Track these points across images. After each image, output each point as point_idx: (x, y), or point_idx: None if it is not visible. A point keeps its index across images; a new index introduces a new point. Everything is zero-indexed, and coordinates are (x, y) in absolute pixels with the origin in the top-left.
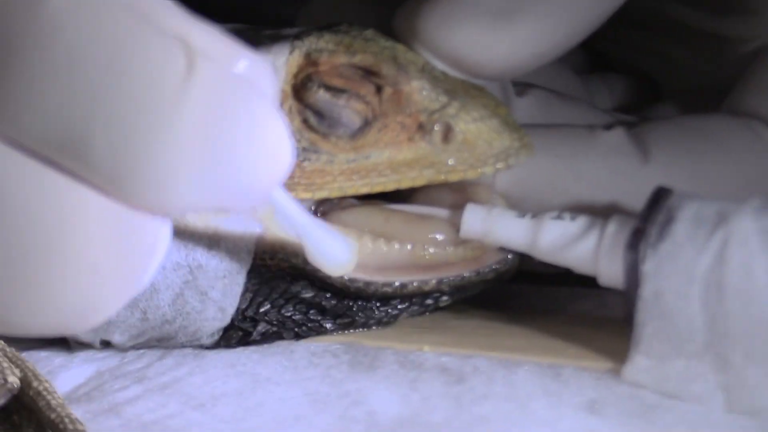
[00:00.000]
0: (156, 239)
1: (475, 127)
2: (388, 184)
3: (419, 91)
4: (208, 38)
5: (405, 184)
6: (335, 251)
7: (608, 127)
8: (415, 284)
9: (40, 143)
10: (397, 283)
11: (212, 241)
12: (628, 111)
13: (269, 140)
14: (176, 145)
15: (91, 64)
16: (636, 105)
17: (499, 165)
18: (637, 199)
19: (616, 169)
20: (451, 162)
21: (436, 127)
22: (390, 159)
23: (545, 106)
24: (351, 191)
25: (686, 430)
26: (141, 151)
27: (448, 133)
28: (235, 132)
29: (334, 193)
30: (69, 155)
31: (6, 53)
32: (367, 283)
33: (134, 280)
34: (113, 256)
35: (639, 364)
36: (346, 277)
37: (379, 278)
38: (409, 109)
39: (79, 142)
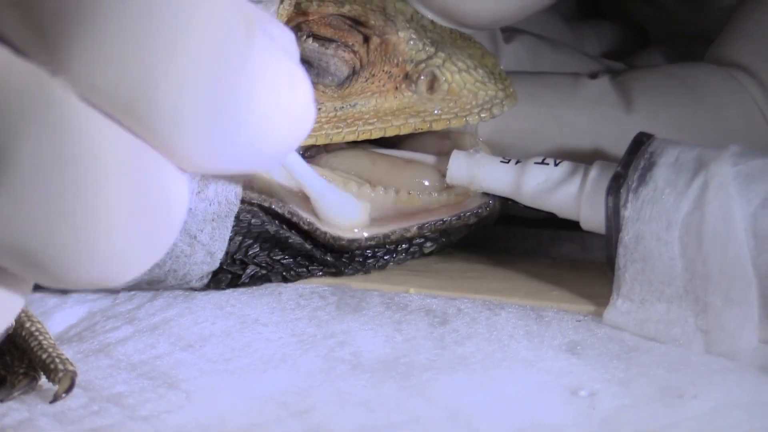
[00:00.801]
0: (180, 198)
1: (460, 77)
2: (374, 132)
3: (406, 42)
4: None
5: (390, 132)
6: (347, 211)
7: (593, 75)
8: (397, 233)
9: (104, 98)
10: (379, 234)
11: (201, 184)
12: (617, 58)
13: (294, 101)
14: (201, 104)
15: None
16: (624, 52)
17: (484, 114)
18: (619, 146)
19: (600, 117)
20: (436, 111)
21: (422, 77)
22: (376, 107)
23: (533, 52)
24: (337, 138)
25: (665, 372)
26: (192, 110)
27: (433, 83)
28: (262, 95)
29: (321, 140)
30: (128, 111)
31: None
32: (351, 241)
33: (166, 236)
34: (149, 212)
35: (620, 307)
36: (329, 235)
37: (361, 235)
38: (396, 59)
39: (142, 97)
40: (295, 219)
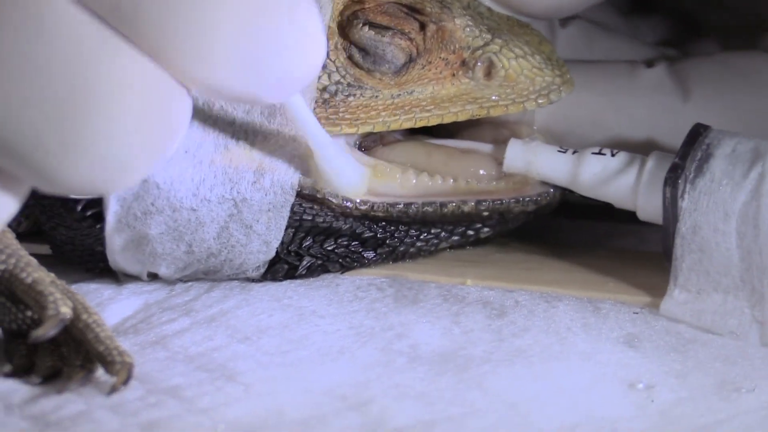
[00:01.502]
0: (183, 113)
1: (517, 64)
2: (432, 119)
3: (462, 28)
4: None
5: (448, 119)
6: (347, 172)
7: (650, 63)
8: (454, 204)
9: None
10: (437, 202)
11: (257, 174)
12: (670, 48)
13: (306, 29)
14: (219, 18)
15: None
16: (678, 42)
17: (541, 101)
18: (676, 135)
19: (657, 105)
20: (494, 97)
21: (479, 64)
22: (433, 95)
23: (588, 37)
24: (395, 126)
25: (722, 365)
26: (184, 18)
27: (490, 69)
28: (276, 16)
29: (378, 128)
30: (119, 13)
31: None
32: (407, 204)
33: (163, 146)
34: (147, 119)
35: (677, 297)
36: (386, 203)
37: (419, 200)
38: (453, 46)
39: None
40: (350, 206)
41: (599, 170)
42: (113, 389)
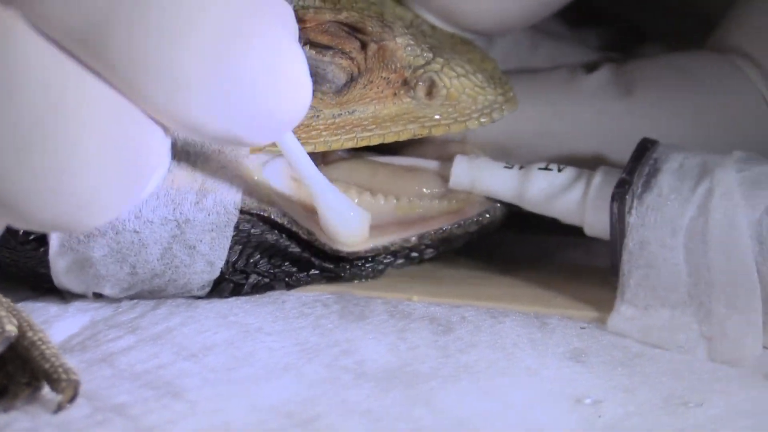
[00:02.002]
0: (159, 153)
1: (458, 82)
2: (373, 139)
3: (404, 47)
4: None
5: (389, 138)
6: (347, 218)
7: (591, 68)
8: (397, 244)
9: (63, 32)
10: (379, 247)
11: (199, 195)
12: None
13: (288, 70)
14: (195, 52)
15: None
16: (623, 49)
17: (484, 119)
18: (623, 139)
19: (601, 110)
20: (435, 117)
21: (420, 83)
22: (375, 114)
23: (532, 42)
24: (336, 146)
25: (670, 380)
26: (159, 51)
27: (432, 89)
28: (254, 52)
29: (320, 147)
30: (88, 48)
31: None
32: (350, 253)
33: (137, 187)
34: (118, 158)
35: (624, 313)
36: (328, 246)
37: (360, 247)
38: (394, 65)
39: (98, 33)
40: (294, 228)
41: (546, 186)
42: (59, 407)
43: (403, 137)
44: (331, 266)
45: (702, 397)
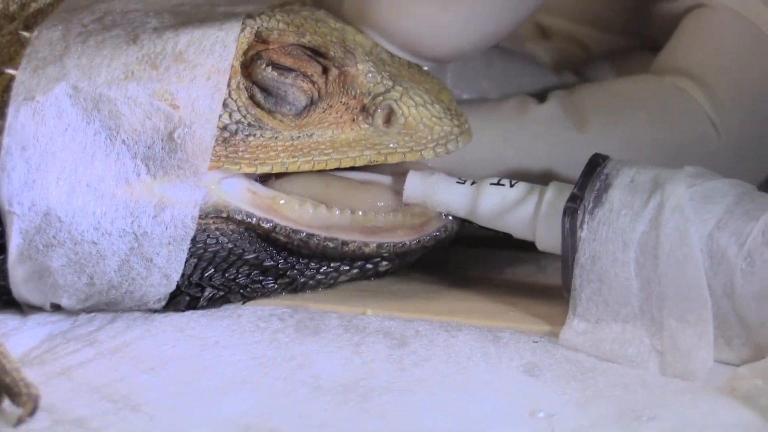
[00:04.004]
0: None
1: (417, 112)
2: (330, 163)
3: (365, 74)
4: None
5: (346, 163)
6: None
7: (541, 97)
8: (356, 243)
9: None
10: (339, 239)
11: (157, 208)
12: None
13: None
14: None
15: None
16: (571, 65)
17: (439, 150)
18: (576, 168)
19: (555, 140)
20: (392, 145)
21: (379, 110)
22: (333, 138)
23: (485, 60)
24: (293, 167)
25: (622, 393)
26: None
27: (390, 116)
28: None
29: (277, 168)
30: None
31: None
32: (310, 235)
33: None
34: None
35: (576, 327)
36: (290, 228)
37: (321, 233)
38: (354, 91)
39: None
40: (254, 221)
41: (498, 201)
42: (20, 421)
43: (359, 163)
44: (286, 266)
45: (654, 411)
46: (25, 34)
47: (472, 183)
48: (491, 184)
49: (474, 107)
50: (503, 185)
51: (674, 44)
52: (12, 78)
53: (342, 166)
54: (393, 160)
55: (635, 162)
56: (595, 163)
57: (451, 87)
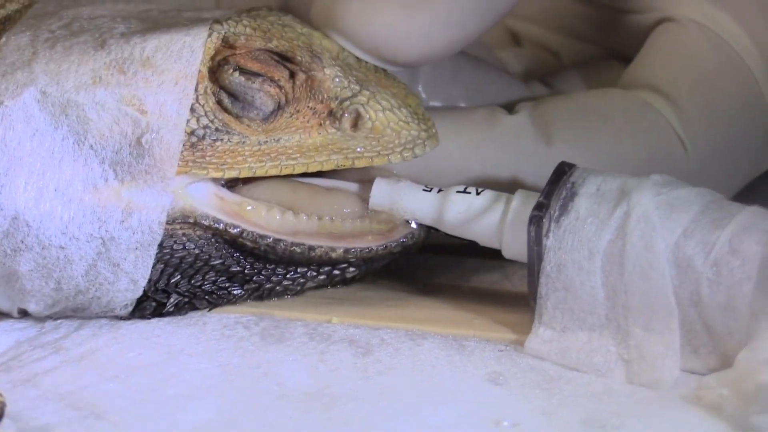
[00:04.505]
0: None
1: (384, 116)
2: (297, 167)
3: (332, 79)
4: None
5: (313, 168)
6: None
7: (510, 108)
8: (322, 248)
9: None
10: (306, 244)
11: (125, 213)
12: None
13: None
14: None
15: None
16: (542, 73)
17: (406, 154)
18: (542, 181)
19: (521, 152)
20: (359, 149)
21: (346, 115)
22: (300, 143)
23: (453, 67)
24: (260, 172)
25: (588, 402)
26: None
27: (357, 121)
28: None
29: (244, 173)
30: None
31: None
32: (277, 240)
33: None
34: None
35: (541, 335)
36: (257, 234)
37: (288, 238)
38: (321, 96)
39: None
40: (221, 226)
41: (464, 209)
42: None
43: (327, 167)
44: (252, 272)
45: (620, 421)
46: None
47: (439, 191)
48: (457, 191)
49: (443, 115)
50: (469, 193)
51: (643, 58)
52: None
53: (309, 171)
54: (360, 164)
55: (602, 171)
56: (562, 171)
57: (421, 92)
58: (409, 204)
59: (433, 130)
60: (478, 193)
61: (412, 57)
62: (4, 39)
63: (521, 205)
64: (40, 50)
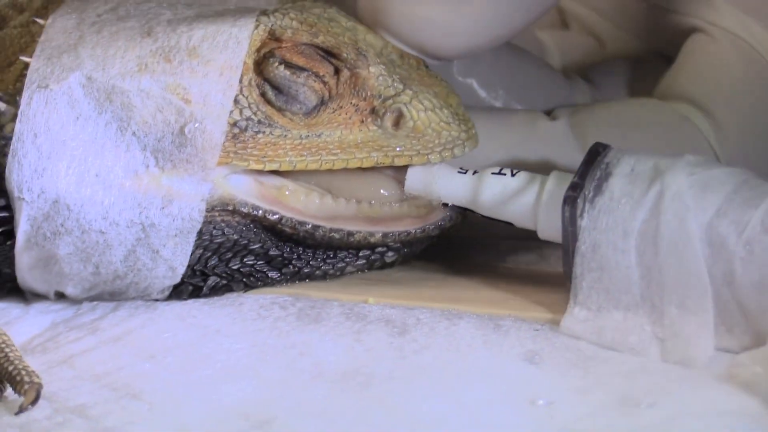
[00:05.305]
0: None
1: (426, 116)
2: (337, 163)
3: (376, 77)
4: None
5: (352, 164)
6: None
7: (550, 112)
8: (361, 234)
9: None
10: (344, 230)
11: (165, 200)
12: (577, 69)
13: None
14: None
15: None
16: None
17: (446, 154)
18: None
19: (558, 157)
20: (399, 148)
21: (389, 113)
22: (341, 139)
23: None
24: (300, 166)
25: (623, 381)
26: None
27: (399, 120)
28: None
29: (285, 167)
30: None
31: None
32: (315, 227)
33: None
34: None
35: (577, 315)
36: (296, 220)
37: (326, 224)
38: (364, 93)
39: None
40: (259, 213)
41: (499, 190)
42: (21, 409)
43: (366, 164)
44: (292, 256)
45: (654, 398)
46: (40, 21)
47: (474, 172)
48: (492, 173)
49: (483, 116)
50: (504, 174)
51: (679, 69)
52: (25, 66)
53: (349, 167)
54: (400, 162)
55: (636, 151)
56: (596, 152)
57: (456, 73)
58: (444, 186)
59: (473, 131)
60: (513, 175)
61: (456, 51)
62: (50, 20)
63: (556, 186)
64: (87, 34)
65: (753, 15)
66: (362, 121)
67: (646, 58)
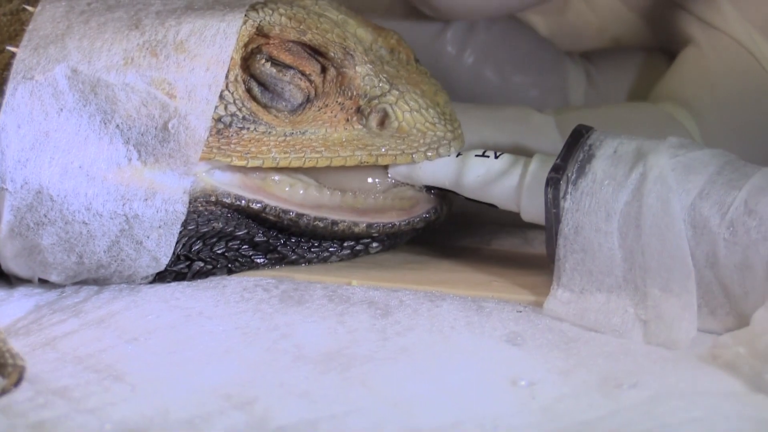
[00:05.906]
0: None
1: (411, 117)
2: (321, 161)
3: (362, 77)
4: None
5: (336, 162)
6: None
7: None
8: (345, 223)
9: None
10: (329, 219)
11: (148, 192)
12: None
13: None
14: None
15: None
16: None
17: (430, 153)
18: None
19: (546, 148)
20: (384, 148)
21: (374, 113)
22: (325, 137)
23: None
24: (284, 163)
25: (605, 362)
26: None
27: (384, 120)
28: None
29: (268, 164)
30: None
31: None
32: (299, 215)
33: None
34: None
35: (560, 297)
36: (280, 208)
37: (311, 212)
38: (350, 92)
39: None
40: (243, 203)
41: (483, 172)
42: (3, 391)
43: (350, 163)
44: (277, 244)
45: (636, 379)
46: (29, 8)
47: (457, 155)
48: (476, 155)
49: (472, 110)
50: (488, 156)
51: (671, 74)
52: (12, 56)
53: (332, 165)
54: (384, 161)
55: (619, 133)
56: (579, 134)
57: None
58: (428, 168)
59: (459, 131)
60: (496, 157)
61: (467, 15)
62: (39, 7)
63: (539, 168)
64: (75, 24)
65: (758, 27)
66: (347, 120)
67: (649, 51)
